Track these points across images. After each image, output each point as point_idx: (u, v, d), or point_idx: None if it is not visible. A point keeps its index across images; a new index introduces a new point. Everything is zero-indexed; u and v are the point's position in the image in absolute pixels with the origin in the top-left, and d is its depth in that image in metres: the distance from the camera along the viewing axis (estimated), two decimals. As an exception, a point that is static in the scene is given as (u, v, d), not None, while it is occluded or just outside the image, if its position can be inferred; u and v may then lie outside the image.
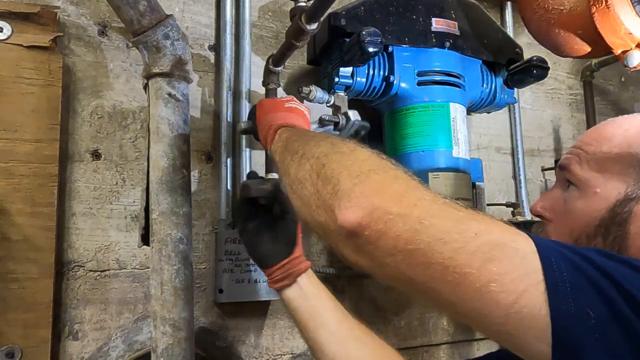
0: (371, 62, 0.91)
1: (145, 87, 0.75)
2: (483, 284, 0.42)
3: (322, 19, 0.74)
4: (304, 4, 0.81)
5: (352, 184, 0.49)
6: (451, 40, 0.95)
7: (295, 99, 0.80)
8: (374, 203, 0.47)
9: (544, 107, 1.36)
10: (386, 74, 0.92)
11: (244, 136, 0.94)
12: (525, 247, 0.43)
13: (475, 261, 0.42)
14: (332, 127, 0.90)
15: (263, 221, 0.77)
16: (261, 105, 0.79)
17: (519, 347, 0.44)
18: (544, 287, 0.41)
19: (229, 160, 0.94)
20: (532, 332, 0.41)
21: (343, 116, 0.90)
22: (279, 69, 0.91)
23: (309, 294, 0.76)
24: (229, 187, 0.94)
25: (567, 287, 0.41)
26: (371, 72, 0.92)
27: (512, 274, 0.42)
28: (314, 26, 0.73)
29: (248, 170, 0.93)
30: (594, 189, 0.59)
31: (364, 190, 0.48)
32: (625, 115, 0.63)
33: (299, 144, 0.62)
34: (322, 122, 0.90)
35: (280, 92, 1.00)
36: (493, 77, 1.04)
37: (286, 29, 0.99)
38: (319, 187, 0.52)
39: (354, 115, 0.90)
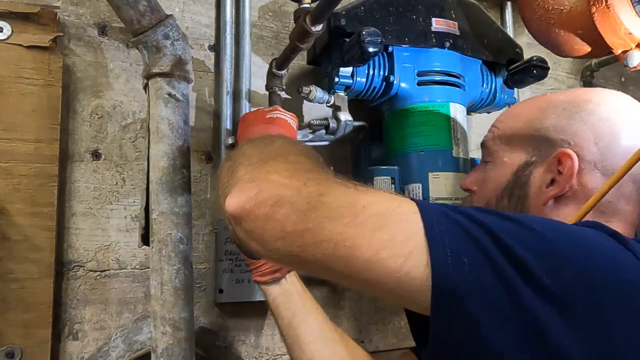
0: (371, 62, 0.90)
1: (145, 87, 0.75)
2: (373, 253, 0.43)
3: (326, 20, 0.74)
4: (307, 5, 0.81)
5: (246, 171, 0.51)
6: (451, 40, 0.95)
7: (279, 108, 0.80)
8: (259, 186, 0.48)
9: (544, 107, 1.36)
10: (386, 74, 0.92)
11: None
12: (409, 211, 0.45)
13: (365, 232, 0.44)
14: (323, 131, 0.90)
15: None
16: (243, 120, 0.80)
17: (413, 305, 0.45)
18: (426, 244, 0.43)
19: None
20: (420, 290, 0.43)
21: (333, 119, 0.90)
22: (283, 72, 0.90)
23: (296, 290, 0.78)
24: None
25: (444, 240, 0.43)
26: (371, 72, 0.91)
27: (399, 237, 0.44)
28: (319, 27, 0.73)
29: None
30: (502, 159, 0.67)
31: (252, 176, 0.49)
32: (535, 96, 0.72)
33: (233, 151, 0.63)
34: (311, 126, 0.90)
35: (283, 95, 1.00)
36: (493, 77, 1.04)
37: (286, 29, 1.00)
38: (224, 180, 0.54)
39: (344, 116, 0.89)
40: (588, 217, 0.56)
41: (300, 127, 0.87)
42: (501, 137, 0.69)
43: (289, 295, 0.77)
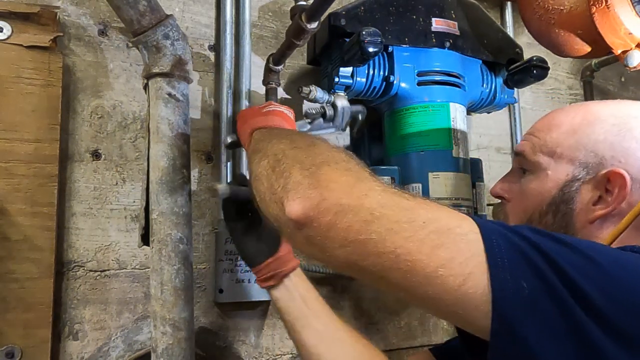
0: (371, 62, 0.90)
1: (145, 87, 0.75)
2: (432, 270, 0.44)
3: (322, 18, 0.74)
4: (304, 3, 0.81)
5: (302, 176, 0.50)
6: (451, 40, 0.95)
7: (273, 103, 0.80)
8: (322, 194, 0.48)
9: (544, 107, 1.36)
10: (386, 74, 0.92)
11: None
12: (469, 231, 0.45)
13: (424, 248, 0.44)
14: (320, 119, 0.88)
15: (249, 221, 0.79)
16: (240, 116, 0.80)
17: (468, 325, 0.46)
18: (487, 266, 0.43)
19: (229, 161, 0.94)
20: (478, 310, 0.43)
21: (330, 106, 0.88)
22: (279, 67, 0.91)
23: (296, 295, 0.77)
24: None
25: (505, 263, 0.43)
26: (371, 72, 0.92)
27: (459, 257, 0.44)
28: (314, 25, 0.73)
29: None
30: (545, 171, 0.64)
31: (312, 182, 0.49)
32: (575, 104, 0.69)
33: (263, 143, 0.63)
34: (308, 116, 0.88)
35: (281, 91, 1.00)
36: (493, 77, 1.04)
37: (286, 28, 1.00)
38: (272, 182, 0.53)
39: (340, 102, 0.88)
40: (628, 235, 0.56)
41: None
42: (542, 147, 0.65)
43: (288, 300, 0.77)
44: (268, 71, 0.92)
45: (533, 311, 0.42)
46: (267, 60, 0.91)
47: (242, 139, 0.76)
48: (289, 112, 0.78)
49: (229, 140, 0.85)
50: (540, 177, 0.65)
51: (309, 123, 0.88)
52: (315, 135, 0.65)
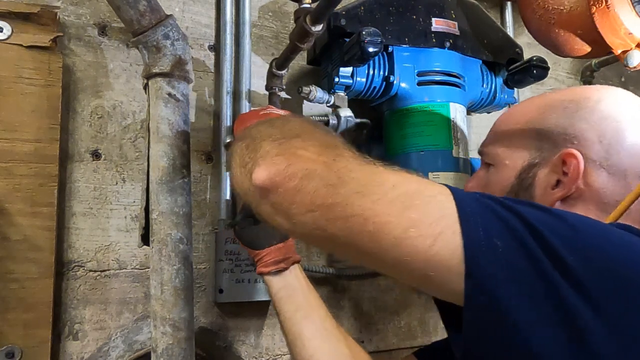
0: (371, 62, 0.90)
1: (145, 87, 0.75)
2: (402, 231, 0.43)
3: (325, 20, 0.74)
4: (308, 5, 0.81)
5: (271, 147, 0.50)
6: (451, 40, 0.95)
7: (272, 107, 0.80)
8: (288, 159, 0.48)
9: (544, 107, 1.36)
10: (386, 74, 0.92)
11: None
12: (440, 193, 0.45)
13: (394, 209, 0.44)
14: None
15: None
16: (239, 119, 0.80)
17: (442, 290, 0.45)
18: (459, 226, 0.42)
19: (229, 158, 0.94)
20: (450, 272, 0.42)
21: (333, 115, 0.89)
22: (283, 72, 0.90)
23: (302, 283, 0.77)
24: (228, 187, 0.93)
25: (477, 221, 0.43)
26: (371, 72, 0.91)
27: (430, 217, 0.43)
28: (319, 28, 0.73)
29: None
30: (504, 162, 0.66)
31: (280, 150, 0.49)
32: (532, 97, 0.71)
33: (245, 131, 0.63)
34: None
35: (283, 95, 1.00)
36: (493, 77, 1.04)
37: (286, 29, 1.00)
38: (244, 157, 0.53)
39: (344, 112, 0.89)
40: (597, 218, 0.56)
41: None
42: (501, 139, 0.68)
43: (292, 289, 0.76)
44: (271, 76, 0.91)
45: (507, 270, 0.41)
46: (270, 64, 0.91)
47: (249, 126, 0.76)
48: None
49: (228, 140, 0.85)
50: (500, 168, 0.66)
51: None
52: (298, 115, 0.65)
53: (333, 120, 0.89)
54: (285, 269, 0.77)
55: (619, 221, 0.55)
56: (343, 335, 0.76)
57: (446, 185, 0.47)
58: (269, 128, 0.56)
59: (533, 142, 0.64)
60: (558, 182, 0.61)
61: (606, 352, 0.40)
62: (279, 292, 0.76)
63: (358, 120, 0.92)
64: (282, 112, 0.78)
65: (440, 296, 0.46)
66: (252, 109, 0.90)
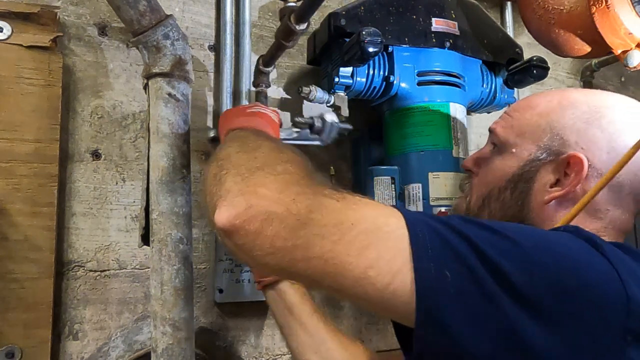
0: (371, 62, 0.90)
1: (145, 87, 0.75)
2: (361, 271, 0.44)
3: (319, 19, 0.74)
4: (293, 4, 0.81)
5: (234, 182, 0.50)
6: (451, 40, 0.95)
7: (259, 104, 0.81)
8: (248, 201, 0.47)
9: (544, 107, 1.36)
10: (386, 74, 0.92)
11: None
12: (397, 227, 0.46)
13: (352, 250, 0.45)
14: (307, 130, 0.89)
15: None
16: (224, 115, 0.80)
17: (400, 319, 0.47)
18: (411, 263, 0.44)
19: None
20: (407, 305, 0.44)
21: (319, 119, 0.89)
22: (269, 69, 0.91)
23: (288, 299, 0.78)
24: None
25: (429, 253, 0.44)
26: (371, 72, 0.91)
27: (386, 255, 0.44)
28: (303, 26, 0.73)
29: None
30: (511, 149, 0.66)
31: (241, 188, 0.49)
32: (557, 89, 0.68)
33: (220, 147, 0.63)
34: (296, 124, 0.89)
35: (281, 91, 1.00)
36: (493, 77, 1.04)
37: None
38: (211, 189, 0.53)
39: (330, 117, 0.89)
40: (580, 219, 0.57)
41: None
42: (514, 127, 0.67)
43: (277, 305, 0.78)
44: (258, 73, 0.92)
45: (456, 297, 0.42)
46: (257, 62, 0.91)
47: (220, 137, 0.76)
48: (274, 115, 0.78)
49: (211, 135, 0.85)
50: (505, 155, 0.66)
51: (296, 132, 0.89)
52: (267, 136, 0.65)
53: (318, 124, 0.89)
54: (265, 284, 0.79)
55: (580, 223, 0.56)
56: (340, 342, 0.77)
57: (403, 213, 0.47)
58: (238, 153, 0.56)
59: (544, 136, 0.63)
60: (557, 182, 0.61)
61: (545, 356, 0.42)
62: (285, 299, 0.78)
63: (343, 125, 0.92)
64: (269, 110, 0.78)
65: (403, 323, 0.47)
66: (240, 105, 0.89)
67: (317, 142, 0.91)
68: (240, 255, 0.50)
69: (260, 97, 0.93)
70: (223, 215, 0.48)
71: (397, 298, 0.44)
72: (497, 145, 0.68)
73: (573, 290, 0.44)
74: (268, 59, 0.87)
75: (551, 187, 0.61)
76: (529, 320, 0.42)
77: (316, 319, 0.77)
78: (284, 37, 0.76)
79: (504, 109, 1.08)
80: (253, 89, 0.98)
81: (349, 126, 0.92)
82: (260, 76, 0.92)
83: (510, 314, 0.42)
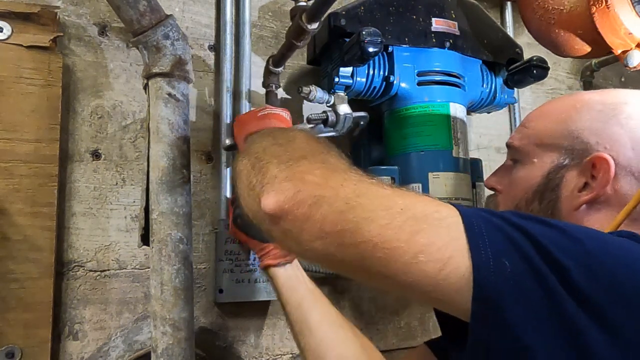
0: (371, 62, 0.90)
1: (145, 87, 0.75)
2: (412, 256, 0.43)
3: (322, 18, 0.74)
4: (304, 3, 0.81)
5: (279, 170, 0.50)
6: (451, 40, 0.95)
7: (268, 106, 0.81)
8: (296, 186, 0.47)
9: (544, 107, 1.36)
10: (386, 74, 0.92)
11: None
12: (448, 216, 0.45)
13: (403, 235, 0.44)
14: (321, 125, 0.88)
15: None
16: (237, 121, 0.80)
17: (452, 310, 0.45)
18: (467, 248, 0.42)
19: (229, 162, 0.94)
20: (459, 293, 0.42)
21: (332, 112, 0.88)
22: (279, 69, 0.91)
23: (304, 276, 0.78)
24: (228, 187, 0.93)
25: (486, 243, 0.43)
26: (371, 72, 0.91)
27: (438, 242, 0.43)
28: (314, 26, 0.73)
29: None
30: (532, 160, 0.65)
31: (288, 175, 0.49)
32: (567, 94, 0.70)
33: (249, 144, 0.63)
34: (309, 121, 0.88)
35: (281, 91, 1.00)
36: (493, 77, 1.04)
37: (286, 29, 0.99)
38: (251, 179, 0.53)
39: (343, 109, 0.88)
40: (626, 226, 0.55)
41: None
42: (531, 137, 0.66)
43: (298, 280, 0.77)
44: (268, 73, 0.92)
45: (515, 290, 0.41)
46: (267, 61, 0.91)
47: (238, 145, 0.77)
48: (285, 114, 0.78)
49: (227, 142, 0.85)
50: (527, 166, 0.65)
51: (310, 128, 0.88)
52: (297, 129, 0.65)
53: (332, 117, 0.88)
54: (291, 261, 0.78)
55: (628, 229, 0.54)
56: (348, 322, 0.77)
57: (454, 205, 0.47)
58: (274, 146, 0.56)
59: (564, 142, 0.62)
60: (585, 185, 0.59)
61: None
62: (286, 283, 0.77)
63: (357, 114, 0.91)
64: (279, 110, 0.78)
65: (453, 314, 0.46)
66: (251, 109, 0.89)
67: (332, 133, 0.90)
68: (287, 242, 0.50)
69: (270, 97, 0.92)
70: (271, 201, 0.48)
71: (450, 285, 0.43)
72: (518, 158, 0.67)
73: (635, 296, 0.42)
74: (278, 59, 0.87)
75: (580, 191, 0.60)
76: (590, 323, 0.41)
77: (326, 298, 0.78)
78: (296, 36, 0.76)
79: (503, 108, 1.08)
80: (254, 89, 0.98)
81: (364, 114, 0.91)
82: (269, 76, 0.92)
83: (572, 314, 0.41)
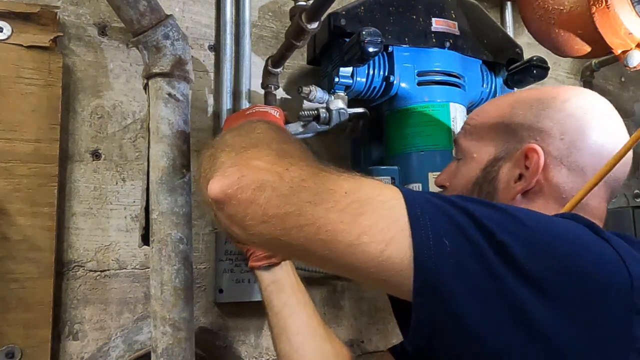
0: (371, 62, 0.90)
1: (145, 87, 0.75)
2: (355, 238, 0.44)
3: (322, 18, 0.74)
4: (304, 3, 0.81)
5: (228, 157, 0.51)
6: (451, 40, 0.95)
7: (258, 104, 0.81)
8: (241, 171, 0.48)
9: (544, 107, 1.36)
10: (386, 74, 0.92)
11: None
12: (392, 198, 0.46)
13: (346, 217, 0.45)
14: (313, 122, 0.87)
15: None
16: (226, 120, 0.81)
17: (395, 291, 0.46)
18: (408, 228, 0.43)
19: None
20: (401, 274, 0.43)
21: (324, 109, 0.87)
22: (279, 70, 0.90)
23: (290, 281, 0.78)
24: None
25: (427, 222, 0.44)
26: (371, 72, 0.91)
27: (381, 224, 0.44)
28: (314, 25, 0.73)
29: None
30: (472, 155, 0.67)
31: (235, 161, 0.50)
32: (506, 93, 0.72)
33: (215, 139, 0.63)
34: (300, 118, 0.88)
35: (281, 91, 1.00)
36: (493, 77, 1.04)
37: (286, 29, 1.00)
38: (205, 166, 0.55)
39: (335, 104, 0.87)
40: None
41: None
42: (472, 133, 0.69)
43: (282, 284, 0.77)
44: (267, 73, 0.92)
45: (456, 267, 0.42)
46: (266, 62, 0.91)
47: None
48: (274, 111, 0.78)
49: None
50: (468, 161, 0.68)
51: (302, 126, 0.88)
52: (264, 121, 0.66)
53: (324, 114, 0.87)
54: (277, 264, 0.77)
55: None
56: (328, 333, 0.77)
57: (399, 187, 0.48)
58: (235, 137, 0.57)
59: (500, 136, 0.65)
60: (520, 176, 0.62)
61: (550, 334, 0.42)
62: (268, 287, 0.77)
63: (353, 111, 0.91)
64: (268, 108, 0.78)
65: (398, 295, 0.47)
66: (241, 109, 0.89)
67: (325, 128, 0.89)
68: (232, 227, 0.50)
69: (268, 98, 0.92)
70: (216, 186, 0.48)
71: (392, 266, 0.44)
72: (460, 156, 0.70)
73: (577, 270, 0.44)
74: (277, 59, 0.87)
75: (515, 182, 0.62)
76: (534, 297, 0.42)
77: (311, 304, 0.77)
78: (295, 36, 0.76)
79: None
80: (254, 89, 0.98)
81: (362, 110, 0.90)
82: (268, 77, 0.91)
83: (514, 289, 0.42)
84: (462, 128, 0.72)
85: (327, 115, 0.87)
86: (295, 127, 0.87)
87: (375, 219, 0.45)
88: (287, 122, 0.83)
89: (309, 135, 0.89)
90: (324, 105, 0.88)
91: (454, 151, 0.73)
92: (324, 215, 0.45)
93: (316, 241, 0.45)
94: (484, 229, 0.44)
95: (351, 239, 0.44)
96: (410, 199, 0.45)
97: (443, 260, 0.43)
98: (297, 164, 0.49)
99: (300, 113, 0.87)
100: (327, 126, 0.88)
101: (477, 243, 0.43)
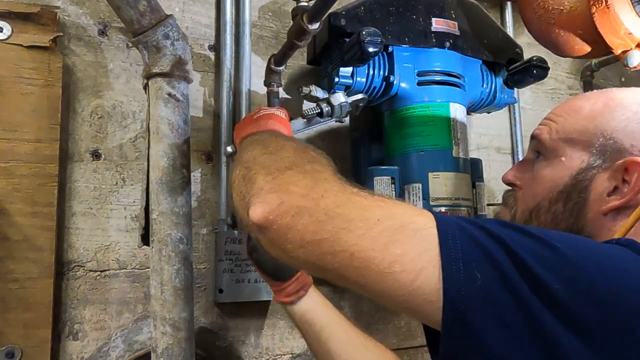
0: (371, 62, 0.90)
1: (145, 87, 0.75)
2: (386, 266, 0.44)
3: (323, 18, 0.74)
4: (305, 3, 0.81)
5: (265, 181, 0.52)
6: (451, 40, 0.95)
7: (262, 107, 0.81)
8: (280, 197, 0.49)
9: (544, 107, 1.36)
10: (386, 74, 0.92)
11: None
12: (424, 226, 0.45)
13: (378, 245, 0.45)
14: (317, 118, 0.88)
15: None
16: (235, 128, 0.81)
17: (425, 319, 0.46)
18: (439, 259, 0.43)
19: (229, 161, 0.94)
20: (431, 304, 0.43)
21: (326, 104, 0.87)
22: (281, 68, 0.90)
23: (320, 304, 0.80)
24: (229, 187, 0.93)
25: (458, 253, 0.43)
26: (371, 72, 0.91)
27: (411, 253, 0.44)
28: (315, 26, 0.73)
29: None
30: (560, 157, 0.62)
31: (273, 186, 0.51)
32: (596, 91, 0.66)
33: (240, 152, 0.65)
34: (305, 116, 0.88)
35: (281, 91, 1.00)
36: (493, 77, 1.04)
37: (286, 29, 1.00)
38: (242, 190, 0.55)
39: (337, 99, 0.87)
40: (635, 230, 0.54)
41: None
42: (559, 133, 0.62)
43: (314, 311, 0.79)
44: (269, 72, 0.92)
45: (487, 301, 0.41)
46: (269, 61, 0.91)
47: (237, 149, 0.77)
48: (280, 112, 0.78)
49: (229, 150, 0.85)
50: (553, 164, 0.62)
51: (306, 123, 0.88)
52: (285, 136, 0.67)
53: (327, 109, 0.87)
54: (304, 294, 0.79)
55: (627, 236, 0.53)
56: (371, 341, 0.79)
57: (434, 214, 0.47)
58: (263, 155, 0.58)
59: (596, 142, 0.59)
60: (615, 189, 0.57)
61: None
62: (304, 316, 0.79)
63: (353, 99, 0.90)
64: (274, 109, 0.78)
65: (428, 324, 0.46)
66: (250, 109, 0.89)
67: (332, 121, 0.90)
68: (273, 250, 0.51)
69: (271, 97, 0.92)
70: (257, 211, 0.50)
71: (421, 296, 0.43)
72: (543, 153, 0.64)
73: (624, 310, 0.41)
74: (280, 58, 0.87)
75: (609, 195, 0.57)
76: (571, 335, 0.40)
77: (344, 317, 0.79)
78: (296, 36, 0.76)
79: (504, 108, 1.08)
80: (254, 89, 0.98)
81: (361, 96, 0.90)
82: (271, 75, 0.92)
83: (549, 326, 0.40)
84: (546, 124, 0.65)
85: (330, 110, 0.88)
86: (300, 124, 0.88)
87: (406, 248, 0.44)
88: (290, 119, 0.83)
89: (314, 127, 0.90)
90: (326, 101, 0.89)
91: (531, 145, 0.67)
92: (357, 242, 0.45)
93: (350, 267, 0.46)
94: (517, 260, 0.42)
95: (383, 267, 0.44)
96: (443, 228, 0.45)
97: (474, 293, 0.42)
98: (332, 189, 0.50)
99: (304, 111, 0.88)
100: (330, 118, 0.89)
101: (508, 275, 0.42)
